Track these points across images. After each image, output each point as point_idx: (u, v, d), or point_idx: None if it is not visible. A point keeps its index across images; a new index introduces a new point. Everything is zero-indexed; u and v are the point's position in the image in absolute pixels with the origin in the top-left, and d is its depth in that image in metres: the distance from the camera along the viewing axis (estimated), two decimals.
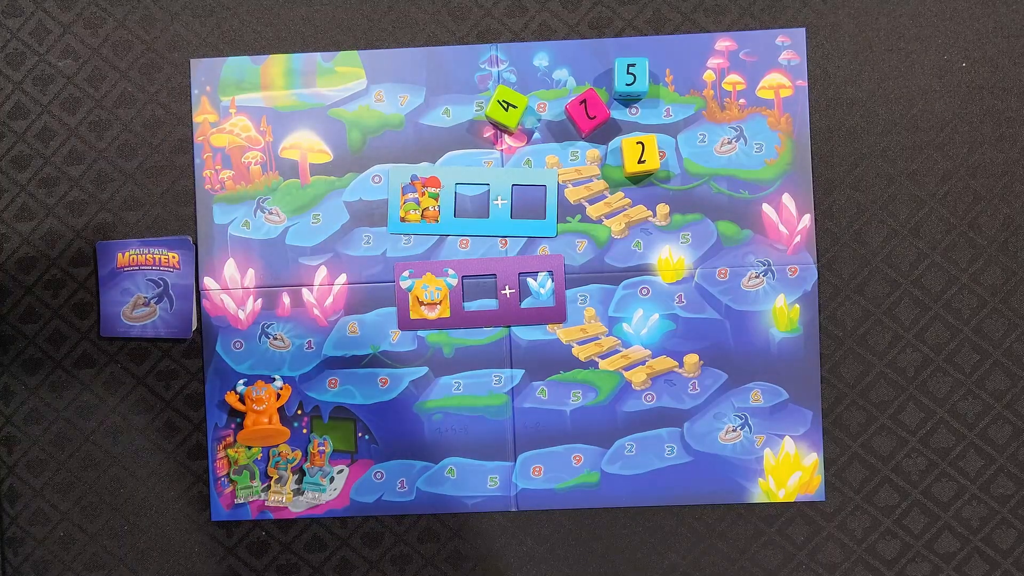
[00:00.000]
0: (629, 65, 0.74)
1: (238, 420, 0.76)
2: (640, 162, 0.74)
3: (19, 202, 0.77)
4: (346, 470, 0.76)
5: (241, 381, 0.76)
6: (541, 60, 0.76)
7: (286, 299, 0.76)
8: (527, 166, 0.76)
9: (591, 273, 0.76)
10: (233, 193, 0.76)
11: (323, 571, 0.76)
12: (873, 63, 0.76)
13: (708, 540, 0.76)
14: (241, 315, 0.76)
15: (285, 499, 0.76)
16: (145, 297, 0.76)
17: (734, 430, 0.76)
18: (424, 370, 0.76)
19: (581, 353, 0.76)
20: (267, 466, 0.76)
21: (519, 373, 0.76)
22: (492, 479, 0.76)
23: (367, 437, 0.76)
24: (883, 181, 0.75)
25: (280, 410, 0.76)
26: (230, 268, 0.76)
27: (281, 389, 0.76)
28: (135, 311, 0.76)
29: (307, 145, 0.76)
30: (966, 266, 0.75)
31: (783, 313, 0.75)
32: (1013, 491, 0.76)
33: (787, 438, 0.76)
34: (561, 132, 0.76)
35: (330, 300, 0.76)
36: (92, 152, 0.77)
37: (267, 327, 0.76)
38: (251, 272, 0.76)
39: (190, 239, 0.76)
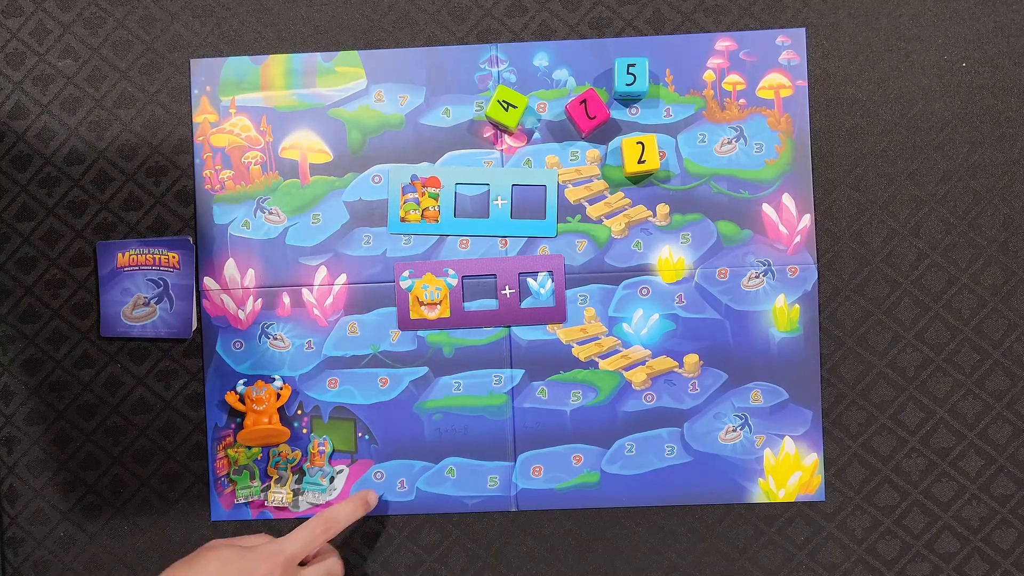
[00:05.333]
0: (629, 65, 0.74)
1: (238, 420, 0.76)
2: (640, 162, 0.74)
3: (19, 202, 0.77)
4: (346, 470, 0.76)
5: (241, 381, 0.76)
6: (541, 60, 0.76)
7: (286, 299, 0.76)
8: (527, 166, 0.76)
9: (591, 273, 0.76)
10: (233, 193, 0.76)
11: None
12: (873, 63, 0.76)
13: (708, 540, 0.76)
14: (241, 315, 0.76)
15: (285, 499, 0.76)
16: (145, 297, 0.76)
17: (734, 430, 0.76)
18: (424, 370, 0.76)
19: (581, 353, 0.76)
20: (267, 466, 0.76)
21: (519, 373, 0.76)
22: (492, 479, 0.76)
23: (367, 437, 0.76)
24: (883, 181, 0.75)
25: (280, 410, 0.76)
26: (230, 268, 0.76)
27: (281, 389, 0.76)
28: (135, 311, 0.76)
29: (307, 145, 0.76)
30: (966, 266, 0.75)
31: (783, 313, 0.75)
32: (1013, 491, 0.76)
33: (787, 438, 0.76)
34: (561, 132, 0.76)
35: (330, 300, 0.76)
36: (92, 152, 0.77)
37: (267, 327, 0.76)
38: (251, 272, 0.76)
39: (190, 239, 0.76)
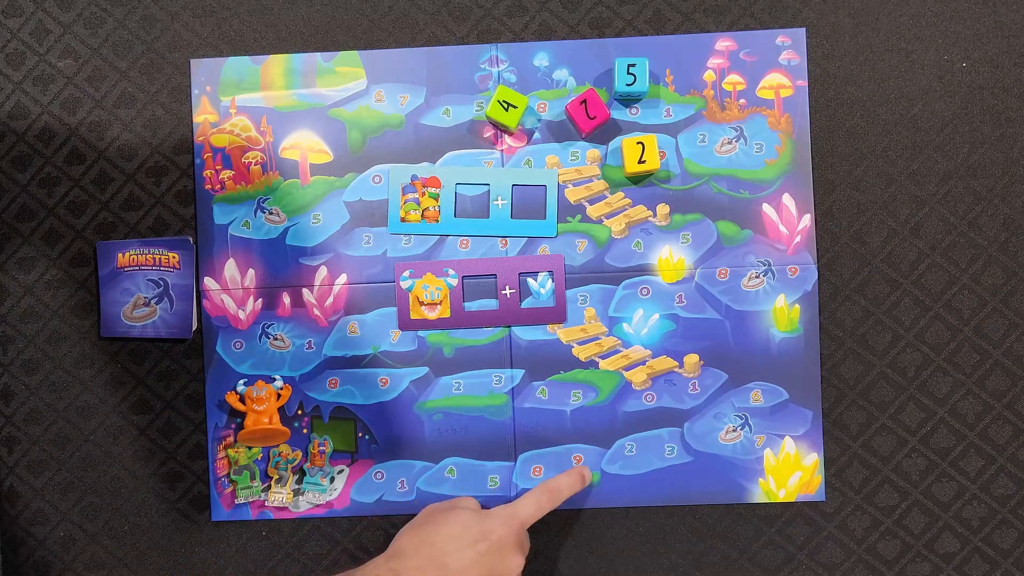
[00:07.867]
0: (629, 65, 0.74)
1: (238, 420, 0.76)
2: (640, 162, 0.74)
3: (19, 202, 0.77)
4: (346, 470, 0.76)
5: (241, 381, 0.76)
6: (541, 60, 0.76)
7: (286, 299, 0.76)
8: (527, 166, 0.76)
9: (591, 273, 0.76)
10: (233, 193, 0.76)
11: (323, 571, 0.76)
12: (873, 63, 0.76)
13: (708, 540, 0.76)
14: (241, 315, 0.76)
15: (285, 499, 0.76)
16: (145, 297, 0.76)
17: (734, 430, 0.76)
18: (424, 370, 0.76)
19: (581, 353, 0.76)
20: (267, 466, 0.76)
21: (519, 373, 0.76)
22: (492, 479, 0.76)
23: (367, 437, 0.76)
24: (883, 181, 0.76)
25: (280, 410, 0.76)
26: (230, 268, 0.76)
27: (281, 389, 0.76)
28: (135, 311, 0.76)
29: (307, 145, 0.76)
30: (966, 266, 0.75)
31: (783, 313, 0.75)
32: (1013, 491, 0.76)
33: (787, 438, 0.76)
34: (561, 132, 0.76)
35: (330, 300, 0.76)
36: (92, 152, 0.77)
37: (267, 327, 0.76)
38: (251, 272, 0.76)
39: (190, 239, 0.76)
